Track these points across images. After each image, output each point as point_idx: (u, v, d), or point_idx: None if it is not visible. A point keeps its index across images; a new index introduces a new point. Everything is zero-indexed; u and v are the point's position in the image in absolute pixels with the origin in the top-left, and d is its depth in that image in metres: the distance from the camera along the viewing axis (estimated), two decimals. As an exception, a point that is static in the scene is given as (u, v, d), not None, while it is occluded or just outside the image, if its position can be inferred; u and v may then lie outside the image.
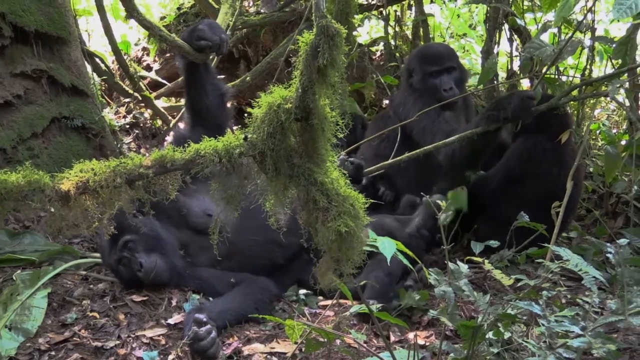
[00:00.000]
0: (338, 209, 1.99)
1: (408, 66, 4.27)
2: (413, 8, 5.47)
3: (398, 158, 3.54)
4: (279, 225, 2.12)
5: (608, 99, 3.88)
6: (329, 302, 3.12)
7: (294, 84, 1.96)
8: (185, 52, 3.28)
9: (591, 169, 4.60)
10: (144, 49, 5.84)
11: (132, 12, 3.52)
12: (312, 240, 2.07)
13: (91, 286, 3.13)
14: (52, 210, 2.06)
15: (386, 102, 5.27)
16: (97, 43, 5.80)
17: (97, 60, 4.81)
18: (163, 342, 2.75)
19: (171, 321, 2.87)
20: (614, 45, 3.62)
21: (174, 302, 3.01)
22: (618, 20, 5.06)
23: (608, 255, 2.43)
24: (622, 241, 2.44)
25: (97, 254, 3.36)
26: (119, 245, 3.04)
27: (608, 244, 2.76)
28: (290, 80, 1.98)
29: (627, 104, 4.13)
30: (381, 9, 5.27)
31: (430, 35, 5.40)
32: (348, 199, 2.01)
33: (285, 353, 2.68)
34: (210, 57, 3.47)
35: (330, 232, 1.99)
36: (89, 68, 4.50)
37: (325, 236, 2.01)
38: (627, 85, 3.78)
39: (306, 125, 1.99)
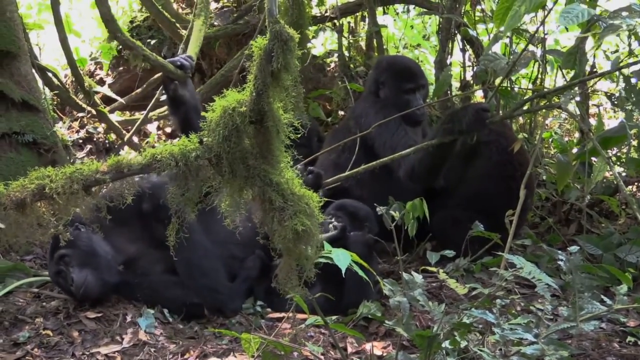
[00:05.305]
0: (294, 208, 2.04)
1: (377, 78, 4.16)
2: (366, 19, 5.50)
3: (355, 170, 3.52)
4: (234, 226, 2.14)
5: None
6: (278, 314, 3.13)
7: (249, 88, 1.99)
8: (167, 70, 3.30)
9: (544, 177, 4.66)
10: (97, 62, 5.79)
11: (115, 32, 3.57)
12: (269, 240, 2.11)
13: (44, 304, 3.08)
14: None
15: (341, 113, 5.26)
16: (48, 57, 5.72)
17: (49, 74, 4.74)
18: (118, 358, 2.72)
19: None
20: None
21: (128, 318, 2.98)
22: (567, 30, 5.15)
23: (560, 262, 2.46)
24: (573, 248, 2.47)
25: (50, 271, 3.32)
26: (55, 258, 3.03)
27: (560, 252, 2.80)
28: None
29: (578, 112, 4.20)
30: (335, 20, 5.28)
31: (384, 47, 5.42)
32: (303, 198, 2.07)
33: (242, 367, 2.67)
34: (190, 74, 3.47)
35: (287, 230, 2.04)
36: (40, 82, 4.44)
37: (282, 235, 2.06)
38: (578, 97, 3.83)
39: (261, 127, 2.04)
